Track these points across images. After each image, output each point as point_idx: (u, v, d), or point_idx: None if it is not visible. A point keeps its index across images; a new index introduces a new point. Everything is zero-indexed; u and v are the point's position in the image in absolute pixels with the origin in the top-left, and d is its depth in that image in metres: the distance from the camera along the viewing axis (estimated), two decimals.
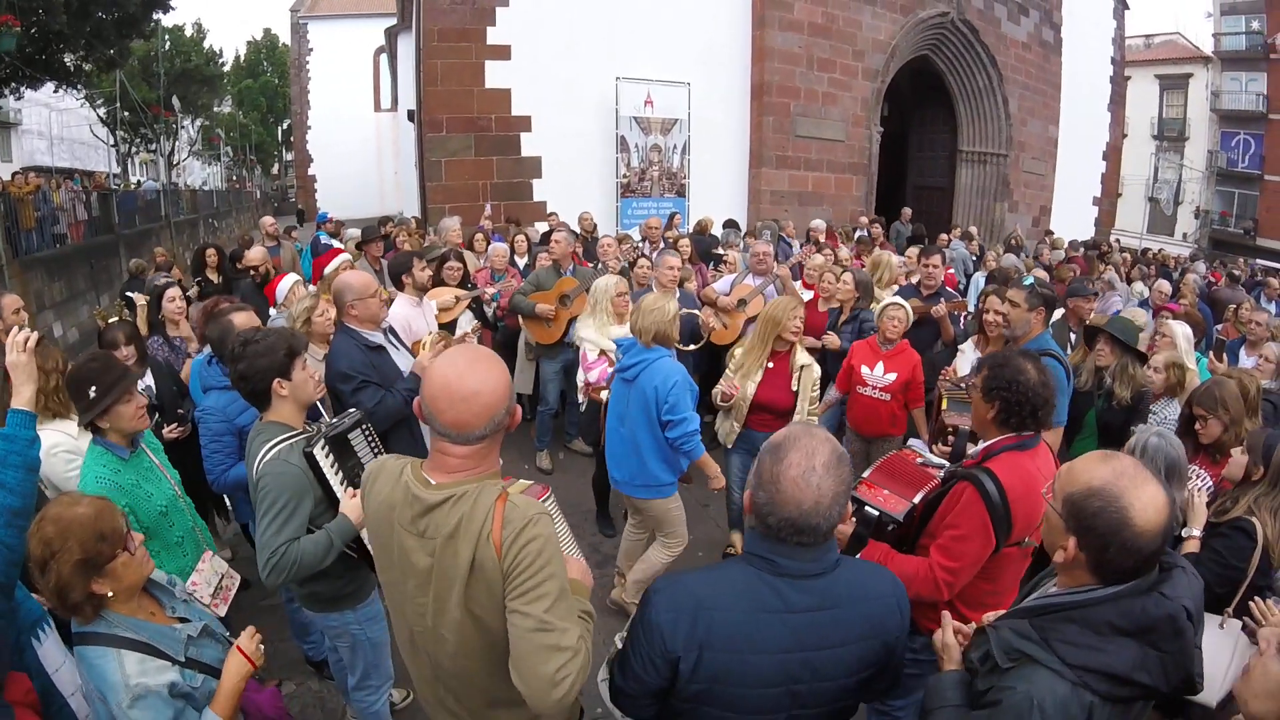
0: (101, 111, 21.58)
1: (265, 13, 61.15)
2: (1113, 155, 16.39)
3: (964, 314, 5.00)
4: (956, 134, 13.30)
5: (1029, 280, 5.52)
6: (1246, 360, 4.39)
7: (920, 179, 14.66)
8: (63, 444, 2.40)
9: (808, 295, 4.92)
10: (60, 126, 25.52)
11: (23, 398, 1.74)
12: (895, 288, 5.01)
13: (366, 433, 2.21)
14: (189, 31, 28.43)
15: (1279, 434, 2.28)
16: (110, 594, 1.51)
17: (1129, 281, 8.33)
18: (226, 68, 33.20)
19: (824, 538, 1.29)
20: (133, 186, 21.23)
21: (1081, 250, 10.14)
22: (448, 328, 4.39)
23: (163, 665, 1.52)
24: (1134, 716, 1.26)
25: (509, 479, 1.45)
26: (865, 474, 2.11)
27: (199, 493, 2.80)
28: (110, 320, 3.89)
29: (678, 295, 4.15)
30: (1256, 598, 2.03)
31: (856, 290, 4.53)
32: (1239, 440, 2.51)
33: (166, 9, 14.78)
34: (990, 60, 12.55)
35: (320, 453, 1.99)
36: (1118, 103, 16.22)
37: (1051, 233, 12.36)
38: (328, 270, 4.68)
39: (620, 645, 1.45)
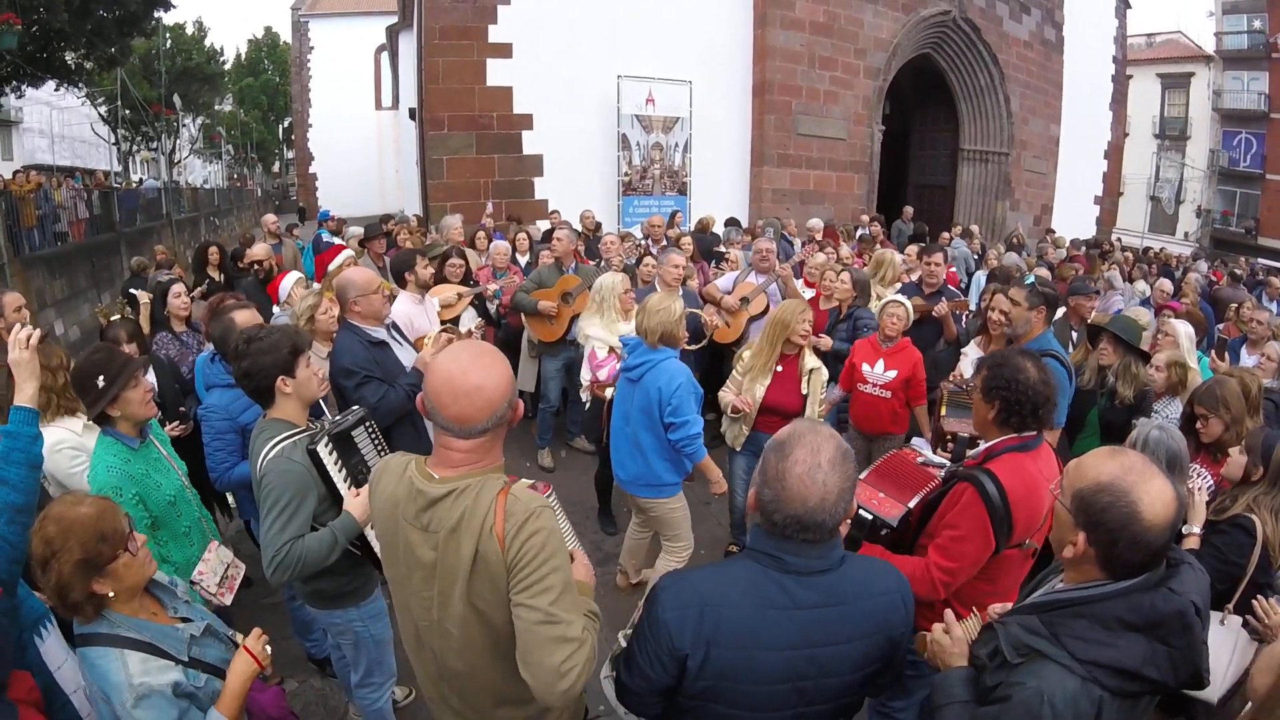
0: (103, 110, 21.59)
1: (266, 11, 61.16)
2: (1114, 154, 16.39)
3: (965, 313, 4.99)
4: (958, 132, 13.30)
5: (1030, 279, 5.51)
6: (1248, 359, 4.39)
7: (922, 177, 14.64)
8: (66, 440, 2.40)
9: (809, 294, 4.91)
10: (61, 125, 25.54)
11: (25, 395, 1.75)
12: (898, 285, 5.00)
13: (370, 429, 2.20)
14: (190, 30, 28.45)
15: (1277, 434, 2.28)
16: (111, 594, 1.51)
17: (1130, 280, 8.33)
18: (228, 66, 33.26)
19: (829, 534, 1.29)
20: (134, 185, 21.17)
21: (1084, 249, 10.13)
22: (451, 325, 4.38)
23: (165, 665, 1.52)
24: (1140, 711, 1.26)
25: (513, 478, 1.44)
26: (862, 475, 2.08)
27: (201, 490, 2.79)
28: (112, 318, 3.90)
29: (681, 294, 4.14)
30: (1260, 597, 2.04)
31: (854, 289, 4.53)
32: (1240, 439, 2.51)
33: (168, 7, 14.80)
34: (992, 59, 12.55)
35: (324, 450, 1.98)
36: (1119, 101, 16.21)
37: (1053, 231, 12.38)
38: (331, 267, 4.69)
39: (624, 643, 1.44)
